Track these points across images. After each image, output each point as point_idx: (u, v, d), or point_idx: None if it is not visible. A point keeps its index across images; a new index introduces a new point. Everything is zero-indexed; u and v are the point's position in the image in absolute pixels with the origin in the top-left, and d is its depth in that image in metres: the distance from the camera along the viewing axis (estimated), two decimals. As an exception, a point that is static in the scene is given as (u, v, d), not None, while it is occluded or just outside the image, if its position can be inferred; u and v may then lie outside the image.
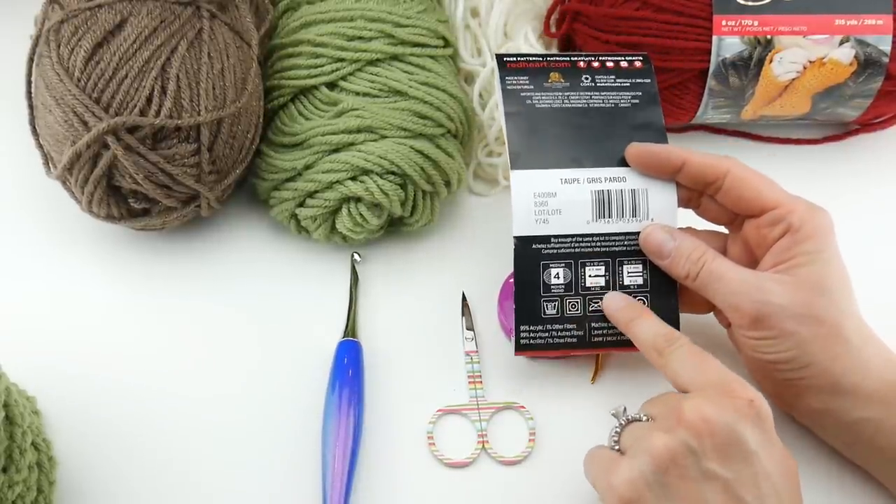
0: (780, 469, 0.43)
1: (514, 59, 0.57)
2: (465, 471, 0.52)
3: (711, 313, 0.54)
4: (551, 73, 0.56)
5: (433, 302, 0.58)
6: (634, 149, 0.53)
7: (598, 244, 0.53)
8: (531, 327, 0.52)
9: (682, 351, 0.47)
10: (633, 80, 0.56)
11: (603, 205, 0.53)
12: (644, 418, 0.45)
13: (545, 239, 0.52)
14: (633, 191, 0.53)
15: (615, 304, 0.52)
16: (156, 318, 0.57)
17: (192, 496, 0.51)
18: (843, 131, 0.68)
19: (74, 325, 0.57)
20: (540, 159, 0.53)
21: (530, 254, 0.52)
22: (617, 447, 0.45)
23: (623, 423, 0.46)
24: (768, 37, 0.60)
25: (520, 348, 0.53)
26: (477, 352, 0.56)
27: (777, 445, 0.43)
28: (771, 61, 0.60)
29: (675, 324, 0.52)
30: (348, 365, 0.54)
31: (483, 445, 0.53)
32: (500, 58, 0.57)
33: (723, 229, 0.54)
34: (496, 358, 0.56)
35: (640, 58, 0.57)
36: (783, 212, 0.49)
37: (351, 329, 0.56)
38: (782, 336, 0.47)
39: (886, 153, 0.68)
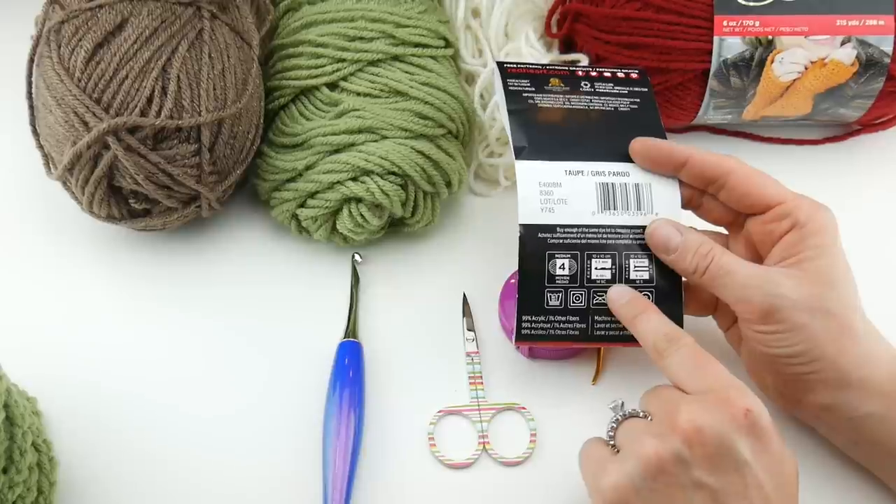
0: (775, 479, 0.42)
1: (515, 65, 0.57)
2: (466, 472, 0.52)
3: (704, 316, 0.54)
4: (551, 79, 0.57)
5: (434, 303, 0.58)
6: (639, 143, 0.53)
7: (605, 236, 0.52)
8: (533, 318, 0.52)
9: (684, 352, 0.46)
10: (631, 89, 0.57)
11: (608, 197, 0.53)
12: (641, 414, 0.45)
13: (551, 228, 0.52)
14: (637, 185, 0.53)
15: (621, 298, 0.51)
16: (156, 319, 0.57)
17: (192, 496, 0.51)
18: (845, 132, 0.68)
19: (75, 325, 0.57)
20: (544, 152, 0.53)
21: (536, 243, 0.52)
22: (612, 442, 0.45)
23: (620, 417, 0.46)
24: (769, 37, 0.60)
25: (520, 338, 0.52)
26: (478, 352, 0.56)
27: (775, 454, 0.43)
28: (772, 62, 0.60)
29: (678, 321, 0.52)
30: (349, 366, 0.54)
31: (484, 446, 0.53)
32: (500, 64, 0.57)
33: (722, 231, 0.54)
34: (497, 359, 0.56)
35: (636, 70, 0.58)
36: (789, 207, 0.49)
37: (352, 330, 0.56)
38: (793, 329, 0.47)
39: (888, 154, 0.68)
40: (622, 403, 0.46)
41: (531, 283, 0.52)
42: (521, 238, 0.52)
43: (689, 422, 0.42)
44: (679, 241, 0.51)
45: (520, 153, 0.53)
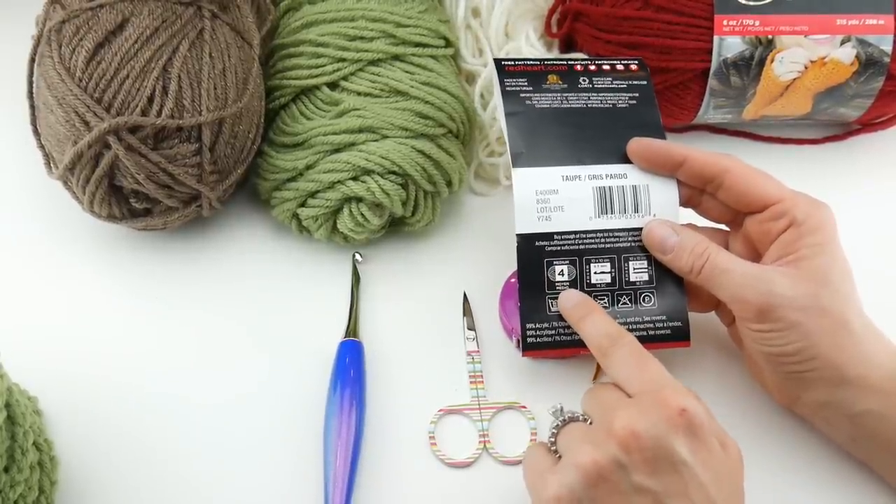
0: (715, 473, 0.42)
1: (513, 62, 0.57)
2: (467, 471, 0.52)
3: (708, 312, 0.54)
4: (549, 76, 0.56)
5: (435, 302, 0.58)
6: (636, 143, 0.53)
7: (602, 240, 0.53)
8: (537, 325, 0.52)
9: (624, 351, 0.47)
10: (630, 82, 0.57)
11: (605, 201, 0.53)
12: (581, 418, 0.46)
13: (548, 236, 0.52)
14: (635, 187, 0.53)
15: (569, 302, 0.52)
16: (157, 318, 0.57)
17: (193, 496, 0.51)
18: (845, 131, 0.68)
19: (76, 325, 0.57)
20: (541, 157, 0.53)
21: (533, 251, 0.52)
22: (554, 448, 0.46)
23: (560, 423, 0.46)
24: (769, 37, 0.60)
25: (527, 347, 0.52)
26: (478, 351, 0.56)
27: (712, 449, 0.43)
28: (772, 61, 0.60)
29: (683, 320, 0.52)
30: (350, 365, 0.54)
31: (485, 445, 0.53)
32: (498, 62, 0.57)
33: (725, 227, 0.54)
34: (498, 358, 0.56)
35: (636, 61, 0.58)
36: (787, 206, 0.49)
37: (352, 329, 0.56)
38: (788, 328, 0.47)
39: (887, 153, 0.68)
40: (561, 408, 0.46)
41: (532, 291, 0.52)
42: (518, 247, 0.52)
43: (626, 427, 0.42)
44: (675, 242, 0.51)
45: (517, 159, 0.53)
